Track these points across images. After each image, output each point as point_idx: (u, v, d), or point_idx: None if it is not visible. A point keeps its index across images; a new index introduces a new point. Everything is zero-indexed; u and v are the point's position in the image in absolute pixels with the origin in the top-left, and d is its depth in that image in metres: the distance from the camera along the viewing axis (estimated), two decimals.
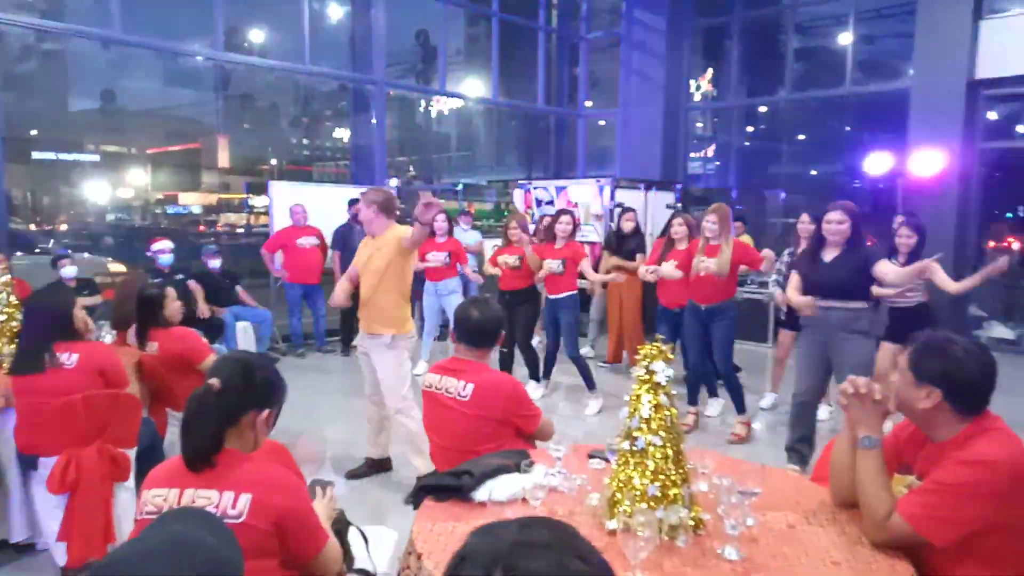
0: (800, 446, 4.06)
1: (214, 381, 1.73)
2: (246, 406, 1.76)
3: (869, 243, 4.08)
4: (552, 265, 5.34)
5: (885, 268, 3.78)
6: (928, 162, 7.76)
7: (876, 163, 8.25)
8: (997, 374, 1.75)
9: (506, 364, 5.71)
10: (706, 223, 4.65)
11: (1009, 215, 10.43)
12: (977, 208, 8.05)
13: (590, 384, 5.47)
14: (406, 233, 3.69)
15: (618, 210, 6.95)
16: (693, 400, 5.08)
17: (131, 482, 3.07)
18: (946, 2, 7.85)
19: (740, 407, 4.85)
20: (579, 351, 5.48)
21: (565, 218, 5.54)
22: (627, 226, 6.46)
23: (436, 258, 6.26)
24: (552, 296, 5.49)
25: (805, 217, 5.21)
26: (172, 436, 3.62)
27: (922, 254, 4.78)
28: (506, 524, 0.87)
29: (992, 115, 8.48)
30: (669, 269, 4.73)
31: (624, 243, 6.45)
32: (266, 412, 1.80)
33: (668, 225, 5.50)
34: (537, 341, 7.67)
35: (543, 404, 5.50)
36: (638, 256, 6.28)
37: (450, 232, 6.46)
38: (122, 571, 0.93)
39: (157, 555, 0.96)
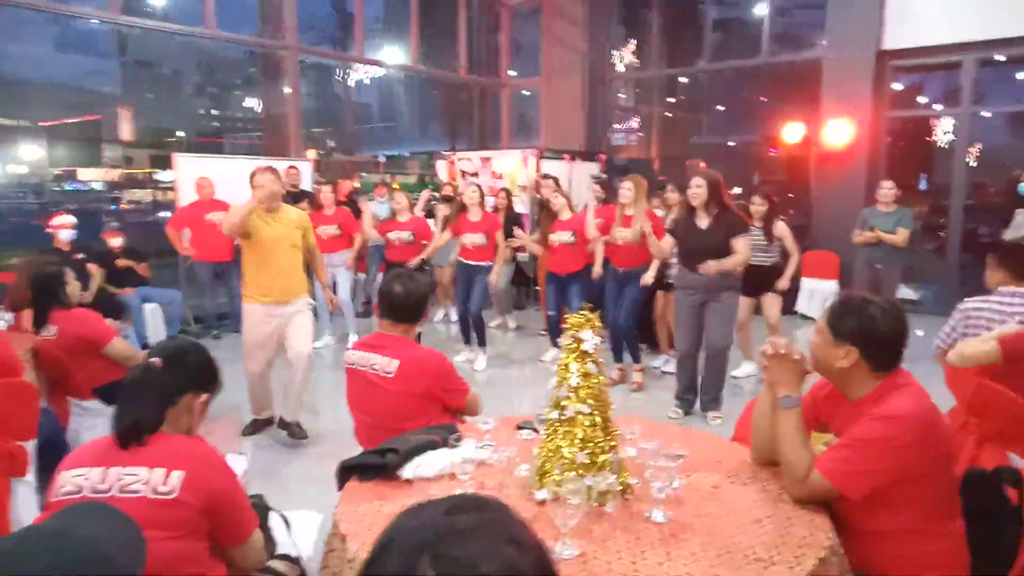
0: (687, 395, 4.69)
1: (155, 359, 1.70)
2: (185, 387, 1.74)
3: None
4: (475, 239, 5.75)
5: (737, 244, 4.24)
6: (839, 131, 8.06)
7: (791, 133, 8.50)
8: (909, 331, 1.81)
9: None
10: (621, 191, 5.02)
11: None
12: (884, 177, 8.39)
13: (481, 341, 5.88)
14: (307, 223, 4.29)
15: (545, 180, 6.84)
16: (618, 357, 5.42)
17: (31, 477, 2.87)
18: None
19: (636, 358, 5.33)
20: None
21: (472, 188, 5.88)
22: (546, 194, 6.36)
23: (326, 232, 6.14)
24: (473, 263, 5.80)
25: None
26: (75, 425, 3.40)
27: (774, 219, 5.39)
28: (434, 505, 0.82)
29: (897, 85, 8.86)
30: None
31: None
32: (204, 396, 1.79)
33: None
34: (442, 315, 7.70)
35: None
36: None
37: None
38: None
39: (23, 552, 0.93)
